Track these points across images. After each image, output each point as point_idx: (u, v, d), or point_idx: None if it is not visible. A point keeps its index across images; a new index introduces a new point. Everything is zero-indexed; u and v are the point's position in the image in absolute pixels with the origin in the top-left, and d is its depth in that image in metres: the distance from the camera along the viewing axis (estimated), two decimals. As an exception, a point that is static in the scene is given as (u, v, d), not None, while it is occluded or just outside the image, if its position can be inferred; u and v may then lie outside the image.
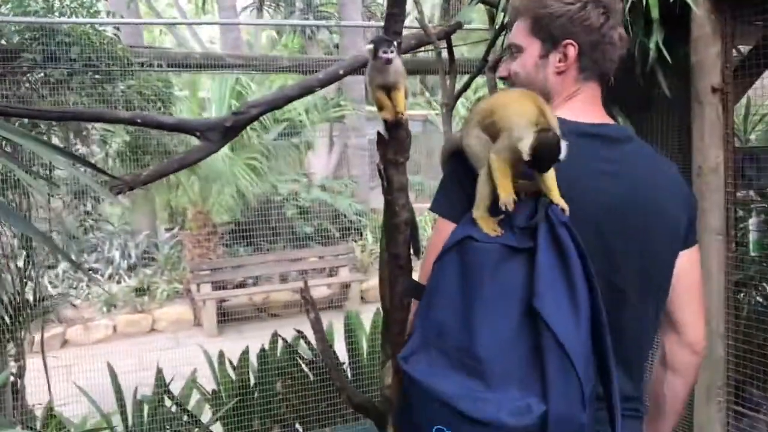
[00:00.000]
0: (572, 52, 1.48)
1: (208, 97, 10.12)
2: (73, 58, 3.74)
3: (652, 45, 2.74)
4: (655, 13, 2.71)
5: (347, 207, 11.21)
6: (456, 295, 1.31)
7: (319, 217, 11.12)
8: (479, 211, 1.34)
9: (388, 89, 2.12)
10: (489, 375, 1.23)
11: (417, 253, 2.46)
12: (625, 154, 1.47)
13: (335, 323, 4.36)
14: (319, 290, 9.79)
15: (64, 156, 2.47)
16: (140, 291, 9.60)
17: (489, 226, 1.32)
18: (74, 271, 9.89)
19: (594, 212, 1.40)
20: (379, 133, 2.24)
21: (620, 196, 1.42)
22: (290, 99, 3.36)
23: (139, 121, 3.19)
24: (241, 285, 9.73)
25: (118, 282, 9.90)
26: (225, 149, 9.04)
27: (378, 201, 9.16)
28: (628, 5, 2.73)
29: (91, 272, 10.02)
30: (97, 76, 3.85)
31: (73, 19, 5.13)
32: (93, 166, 2.29)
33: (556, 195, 1.31)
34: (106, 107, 3.93)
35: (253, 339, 4.21)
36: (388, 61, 2.05)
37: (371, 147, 12.27)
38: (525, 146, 1.26)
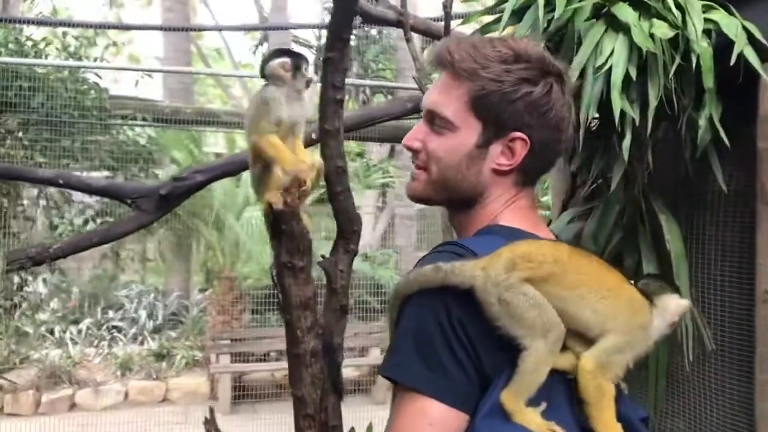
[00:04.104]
0: (521, 148, 1.13)
1: (215, 152, 9.61)
2: (33, 106, 3.29)
3: (702, 122, 2.02)
4: (708, 82, 2.01)
5: (388, 279, 10.46)
6: None
7: (359, 288, 10.43)
8: (518, 403, 1.02)
9: (285, 133, 1.49)
10: None
11: (339, 394, 1.76)
12: None
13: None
14: (346, 372, 9.04)
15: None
16: (159, 356, 9.06)
17: (538, 423, 1.02)
18: (97, 329, 9.50)
19: None
20: (273, 225, 1.60)
21: None
22: (247, 167, 2.79)
23: (61, 181, 2.67)
24: (265, 356, 9.05)
25: (141, 344, 9.40)
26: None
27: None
28: (674, 68, 2.03)
29: (114, 331, 9.61)
30: (53, 128, 3.38)
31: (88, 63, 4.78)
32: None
33: None
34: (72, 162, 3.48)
35: (268, 421, 3.57)
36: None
37: (420, 217, 11.73)
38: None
